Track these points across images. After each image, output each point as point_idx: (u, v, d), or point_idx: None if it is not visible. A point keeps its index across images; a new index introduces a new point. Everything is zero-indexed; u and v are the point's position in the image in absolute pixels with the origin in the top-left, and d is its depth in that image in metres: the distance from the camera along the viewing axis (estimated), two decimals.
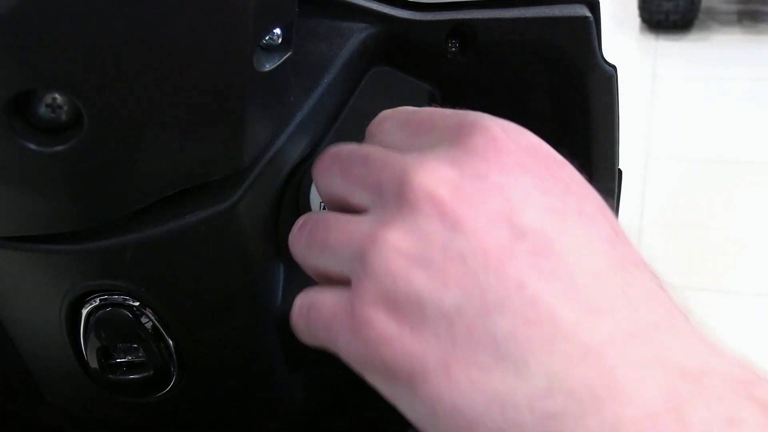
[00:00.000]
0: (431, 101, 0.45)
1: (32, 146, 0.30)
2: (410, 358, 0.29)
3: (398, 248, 0.30)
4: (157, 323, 0.39)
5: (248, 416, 0.45)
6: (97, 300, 0.38)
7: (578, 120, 0.44)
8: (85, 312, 0.38)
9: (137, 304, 0.38)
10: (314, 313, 0.33)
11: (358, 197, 0.34)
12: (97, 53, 0.28)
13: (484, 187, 0.30)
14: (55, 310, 0.38)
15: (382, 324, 0.30)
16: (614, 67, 0.43)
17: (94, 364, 0.40)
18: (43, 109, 0.30)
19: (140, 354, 0.40)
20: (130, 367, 0.40)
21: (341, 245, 0.33)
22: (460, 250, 0.29)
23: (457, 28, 0.43)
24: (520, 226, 0.29)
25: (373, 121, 0.37)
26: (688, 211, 2.59)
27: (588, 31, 0.41)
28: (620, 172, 0.47)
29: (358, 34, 0.43)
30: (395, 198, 0.31)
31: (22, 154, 0.30)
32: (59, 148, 0.30)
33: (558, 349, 0.26)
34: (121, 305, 0.38)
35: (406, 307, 0.29)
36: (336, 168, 0.36)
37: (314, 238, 0.34)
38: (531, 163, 0.31)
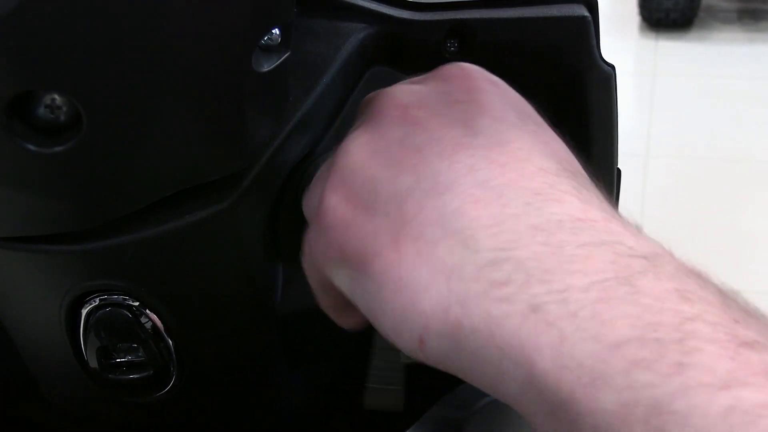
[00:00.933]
0: None
1: (31, 147, 0.30)
2: (363, 238, 0.30)
3: (360, 144, 0.32)
4: (156, 323, 0.39)
5: (248, 415, 0.45)
6: (97, 300, 0.38)
7: (577, 119, 0.44)
8: (84, 312, 0.38)
9: (137, 304, 0.38)
10: (306, 212, 0.36)
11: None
12: (96, 54, 0.28)
13: (447, 100, 0.33)
14: (55, 310, 0.38)
15: (340, 210, 0.31)
16: (612, 67, 0.43)
17: (93, 363, 0.40)
18: (42, 110, 0.30)
19: (140, 354, 0.40)
20: (130, 366, 0.40)
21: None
22: (417, 143, 0.31)
23: (456, 28, 0.43)
24: (474, 126, 0.31)
25: None
26: (689, 210, 2.59)
27: (586, 30, 0.41)
28: (619, 171, 0.47)
29: (357, 34, 0.43)
30: (371, 110, 0.34)
31: (21, 154, 0.30)
32: (58, 148, 0.30)
33: (507, 228, 0.27)
34: (121, 305, 0.38)
35: (362, 192, 0.31)
36: None
37: None
38: (492, 90, 0.34)
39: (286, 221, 0.41)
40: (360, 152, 0.32)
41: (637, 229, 0.28)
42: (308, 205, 0.36)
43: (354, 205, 0.31)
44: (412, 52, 0.44)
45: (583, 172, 0.32)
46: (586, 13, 0.41)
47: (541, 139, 0.32)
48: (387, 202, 0.30)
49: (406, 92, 0.34)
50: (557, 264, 0.25)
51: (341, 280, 0.32)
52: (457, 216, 0.28)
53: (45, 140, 0.30)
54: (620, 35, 3.80)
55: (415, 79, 0.36)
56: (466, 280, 0.27)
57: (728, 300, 0.25)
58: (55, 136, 0.30)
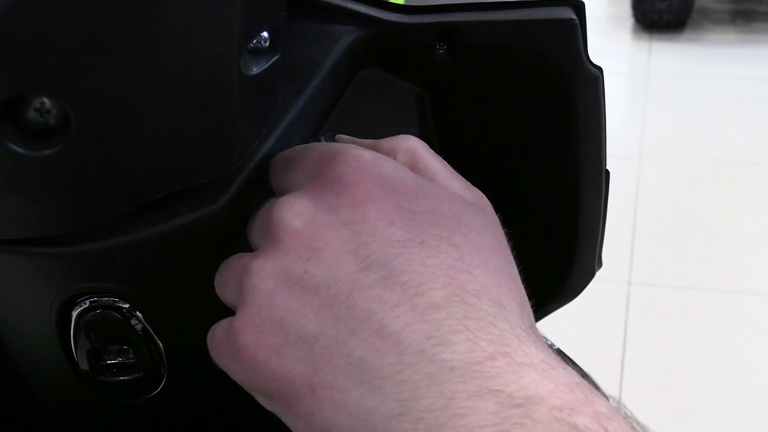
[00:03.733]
0: (419, 103, 0.45)
1: (21, 150, 0.30)
2: (280, 381, 0.32)
3: (263, 277, 0.33)
4: (147, 325, 0.39)
5: (238, 416, 0.45)
6: (87, 302, 0.38)
7: (565, 121, 0.44)
8: (75, 314, 0.38)
9: (127, 306, 0.38)
10: (212, 340, 0.36)
11: (254, 242, 0.37)
12: (85, 58, 0.28)
13: (335, 220, 0.33)
14: (46, 313, 0.38)
15: (252, 348, 0.32)
16: (600, 69, 0.43)
17: (84, 365, 0.40)
18: (31, 114, 0.30)
19: (130, 355, 0.40)
20: (121, 368, 0.40)
21: (231, 279, 0.36)
22: (316, 280, 0.32)
23: (445, 31, 0.43)
24: (365, 258, 0.32)
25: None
26: (682, 211, 2.60)
27: (573, 33, 0.41)
28: (608, 172, 0.47)
29: (346, 36, 0.43)
30: (266, 233, 0.35)
31: (10, 157, 0.30)
32: (48, 152, 0.30)
33: (406, 378, 0.29)
34: (111, 307, 0.38)
35: (271, 332, 0.32)
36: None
37: (220, 276, 0.37)
38: (380, 196, 0.33)
39: None
40: (265, 285, 0.33)
41: (534, 343, 0.31)
42: (216, 332, 0.36)
43: (265, 346, 0.32)
44: (402, 55, 0.44)
45: (488, 279, 0.33)
46: (573, 16, 0.41)
47: (433, 256, 0.32)
48: (297, 344, 0.32)
49: (293, 214, 0.33)
50: (448, 419, 0.28)
51: (265, 402, 0.34)
52: (362, 365, 0.30)
53: (34, 143, 0.30)
54: (614, 37, 3.81)
55: (307, 186, 0.35)
56: (378, 428, 0.29)
57: None
58: (44, 139, 0.30)
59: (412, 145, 0.38)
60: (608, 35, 3.77)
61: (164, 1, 0.29)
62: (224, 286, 0.36)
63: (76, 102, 0.29)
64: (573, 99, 0.43)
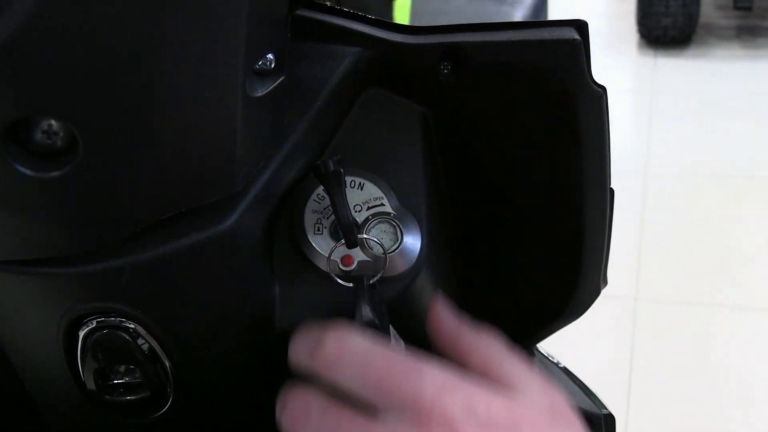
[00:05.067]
0: (424, 122, 0.46)
1: (28, 171, 0.30)
2: None
3: None
4: (153, 344, 0.39)
5: None
6: (94, 322, 0.38)
7: (569, 140, 0.44)
8: (82, 334, 0.39)
9: (134, 326, 0.39)
10: None
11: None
12: (92, 81, 0.29)
13: None
14: (53, 332, 0.39)
15: None
16: (603, 88, 0.43)
17: (91, 385, 0.40)
18: (39, 135, 0.30)
19: (137, 375, 0.40)
20: (127, 388, 0.40)
21: None
22: None
23: (449, 51, 0.43)
24: None
25: (326, 344, 0.38)
26: (688, 226, 2.59)
27: (577, 53, 0.42)
28: (612, 191, 0.47)
29: (351, 57, 0.43)
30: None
31: (18, 179, 0.30)
32: (55, 173, 0.31)
33: None
34: (118, 327, 0.38)
35: None
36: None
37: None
38: None
39: (281, 240, 0.41)
40: None
41: None
42: None
43: None
44: (406, 75, 0.44)
45: None
46: (577, 36, 0.42)
47: None
48: None
49: None
50: None
51: None
52: None
53: (42, 165, 0.30)
54: (619, 53, 3.81)
55: (395, 423, 0.35)
56: None
57: None
58: (51, 161, 0.31)
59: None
60: (613, 51, 3.78)
61: (170, 26, 0.29)
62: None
63: (83, 124, 0.30)
64: (577, 118, 0.44)
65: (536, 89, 0.43)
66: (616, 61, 3.74)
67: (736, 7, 3.68)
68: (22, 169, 0.30)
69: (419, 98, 0.45)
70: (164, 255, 0.36)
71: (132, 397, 0.40)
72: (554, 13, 3.33)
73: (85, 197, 0.32)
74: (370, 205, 0.42)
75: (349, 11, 0.44)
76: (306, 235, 0.41)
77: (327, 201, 0.41)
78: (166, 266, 0.37)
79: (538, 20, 0.42)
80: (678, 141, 3.09)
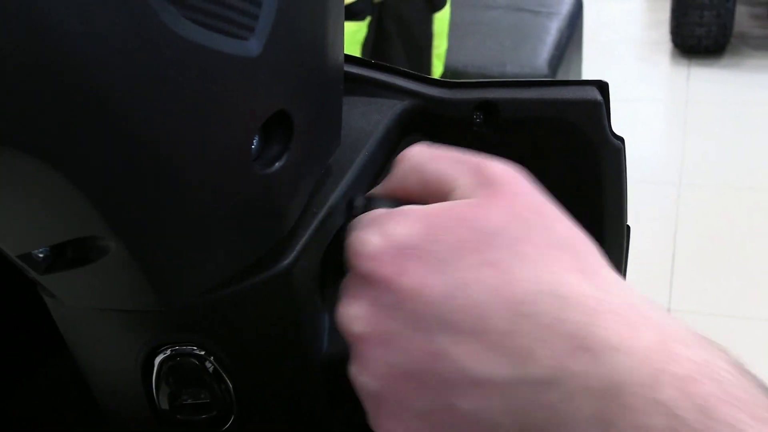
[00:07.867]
0: None
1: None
2: None
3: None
4: (219, 368, 0.44)
5: None
6: (169, 351, 0.43)
7: (591, 186, 0.49)
8: (157, 361, 0.43)
9: (203, 352, 0.43)
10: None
11: None
12: (135, 200, 0.33)
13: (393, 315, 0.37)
14: (132, 361, 0.43)
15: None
16: (622, 140, 0.47)
17: (164, 405, 0.45)
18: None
19: (203, 396, 0.45)
20: (196, 407, 0.45)
21: None
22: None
23: (482, 105, 0.48)
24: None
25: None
26: (722, 238, 2.58)
27: (599, 111, 0.46)
28: (628, 228, 0.52)
29: (394, 109, 0.48)
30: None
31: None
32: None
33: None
34: (190, 354, 0.43)
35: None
36: None
37: None
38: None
39: (331, 277, 0.46)
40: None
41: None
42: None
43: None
44: (443, 124, 0.49)
45: None
46: (599, 97, 0.46)
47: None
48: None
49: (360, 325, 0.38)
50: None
51: None
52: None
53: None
54: (653, 62, 3.80)
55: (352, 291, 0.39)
56: None
57: None
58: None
59: None
60: (647, 61, 3.77)
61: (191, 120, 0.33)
62: None
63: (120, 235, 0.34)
64: (598, 167, 0.48)
65: (561, 140, 0.48)
66: (650, 71, 3.74)
67: None
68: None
69: (454, 144, 0.49)
70: (232, 294, 0.40)
71: (201, 416, 0.45)
72: (589, 23, 3.33)
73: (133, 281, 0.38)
74: None
75: (389, 66, 0.49)
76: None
77: None
78: (234, 303, 0.41)
79: (563, 80, 0.47)
80: (712, 151, 3.08)
